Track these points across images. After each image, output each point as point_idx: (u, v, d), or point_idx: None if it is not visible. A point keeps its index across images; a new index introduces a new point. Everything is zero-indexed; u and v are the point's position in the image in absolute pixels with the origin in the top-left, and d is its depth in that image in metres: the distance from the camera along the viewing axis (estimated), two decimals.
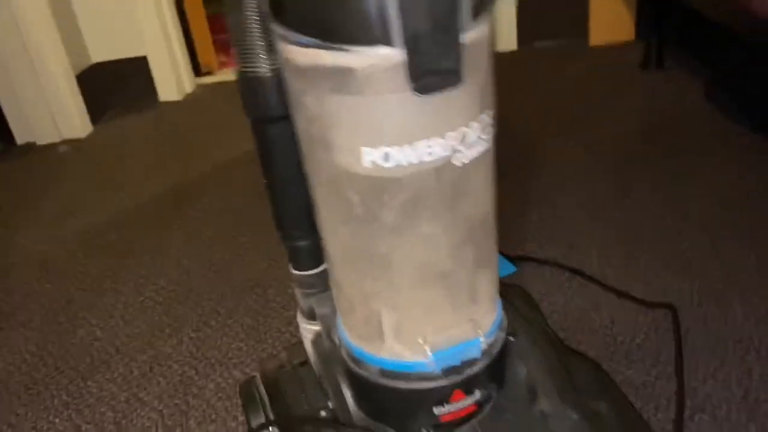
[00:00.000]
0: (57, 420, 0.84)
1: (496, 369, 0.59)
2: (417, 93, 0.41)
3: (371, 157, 0.44)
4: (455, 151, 0.45)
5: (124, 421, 0.83)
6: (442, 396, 0.55)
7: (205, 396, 0.85)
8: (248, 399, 0.68)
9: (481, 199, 0.51)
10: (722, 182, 1.14)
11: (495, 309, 0.58)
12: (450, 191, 0.47)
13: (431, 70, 0.40)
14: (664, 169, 1.21)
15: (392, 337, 0.55)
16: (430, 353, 0.53)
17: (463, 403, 0.56)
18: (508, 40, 1.95)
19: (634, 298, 0.89)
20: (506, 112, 1.60)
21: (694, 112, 1.41)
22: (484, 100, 0.46)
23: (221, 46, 2.25)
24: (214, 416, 0.81)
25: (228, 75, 2.13)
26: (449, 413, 0.56)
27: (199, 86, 2.08)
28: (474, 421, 0.60)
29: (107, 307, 1.05)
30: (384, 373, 0.56)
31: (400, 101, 0.42)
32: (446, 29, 0.40)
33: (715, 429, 0.70)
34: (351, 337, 0.58)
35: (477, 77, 0.45)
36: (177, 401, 0.85)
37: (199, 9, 2.13)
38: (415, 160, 0.44)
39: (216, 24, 2.18)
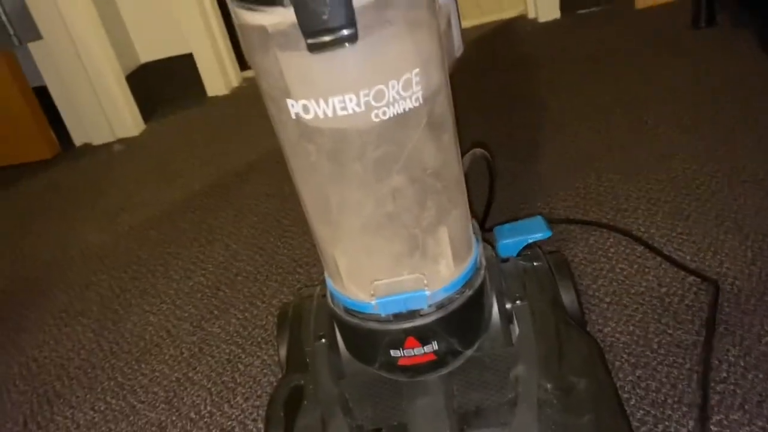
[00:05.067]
0: (113, 401, 0.88)
1: (459, 324, 0.60)
2: (311, 51, 0.44)
3: (295, 109, 0.48)
4: (371, 107, 0.47)
5: (174, 400, 0.85)
6: (395, 340, 0.58)
7: (252, 373, 0.86)
8: (279, 320, 0.78)
9: (423, 161, 0.53)
10: None
11: (457, 266, 0.59)
12: (374, 143, 0.50)
13: (321, 29, 0.43)
14: (715, 126, 1.16)
15: (347, 278, 0.58)
16: (374, 297, 0.57)
17: (417, 351, 0.58)
18: (549, 9, 1.90)
19: (678, 265, 0.86)
20: (548, 80, 1.57)
21: (750, 67, 1.34)
22: (407, 60, 0.48)
23: None
24: (260, 392, 0.83)
25: None
26: (405, 358, 0.59)
27: (245, 79, 2.11)
28: (444, 372, 0.61)
29: (159, 294, 1.09)
30: (347, 311, 0.61)
31: (309, 58, 0.45)
32: None
33: None
34: (327, 276, 0.63)
35: (390, 39, 0.47)
36: (225, 379, 0.87)
37: None
38: (330, 113, 0.47)
39: None
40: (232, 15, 0.49)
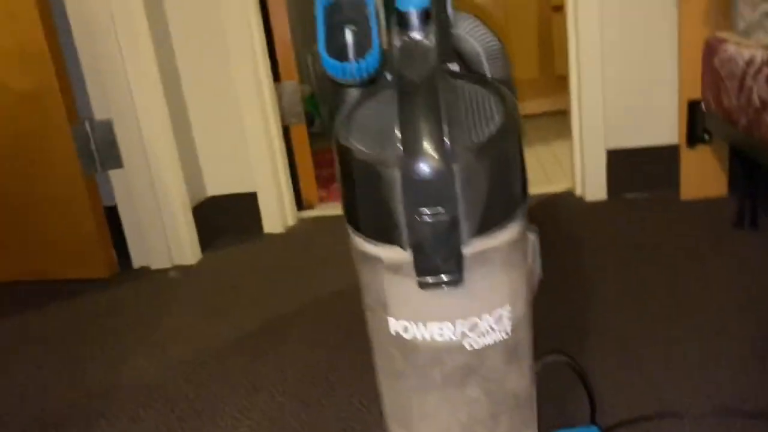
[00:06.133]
0: None
1: None
2: (421, 288, 0.52)
3: (395, 327, 0.55)
4: (465, 336, 0.54)
5: None
6: None
7: None
8: None
9: (501, 380, 0.58)
10: None
11: None
12: (462, 367, 0.56)
13: (431, 270, 0.51)
14: (761, 337, 1.19)
15: None
16: None
17: None
18: (597, 189, 2.00)
19: None
20: (593, 265, 1.62)
21: None
22: (500, 298, 0.55)
23: (323, 182, 2.41)
24: None
25: (327, 210, 2.27)
26: None
27: (301, 220, 2.22)
28: None
29: None
30: None
31: (415, 289, 0.52)
32: (445, 242, 0.51)
33: None
34: None
35: (488, 279, 0.54)
36: None
37: (305, 146, 2.31)
38: (428, 337, 0.54)
39: (319, 159, 2.36)
40: (351, 239, 0.57)
